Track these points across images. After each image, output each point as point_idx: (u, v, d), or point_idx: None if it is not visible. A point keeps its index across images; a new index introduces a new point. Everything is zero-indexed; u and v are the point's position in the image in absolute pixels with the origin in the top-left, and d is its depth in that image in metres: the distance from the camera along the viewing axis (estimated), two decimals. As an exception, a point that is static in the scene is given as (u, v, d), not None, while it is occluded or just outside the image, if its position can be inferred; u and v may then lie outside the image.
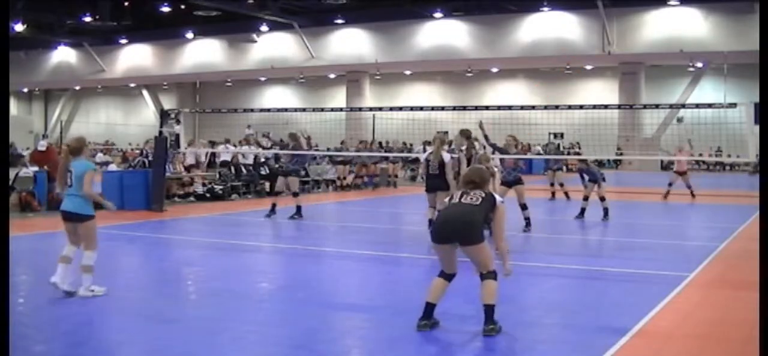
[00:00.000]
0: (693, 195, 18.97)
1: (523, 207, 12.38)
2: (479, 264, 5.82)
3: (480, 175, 6.15)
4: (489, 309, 5.75)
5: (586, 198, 14.51)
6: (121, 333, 5.99)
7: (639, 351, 5.58)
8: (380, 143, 31.52)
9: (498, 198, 6.02)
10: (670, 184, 19.31)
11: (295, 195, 14.41)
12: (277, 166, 17.03)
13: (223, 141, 22.73)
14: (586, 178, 14.64)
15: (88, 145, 7.56)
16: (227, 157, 20.41)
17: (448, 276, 5.93)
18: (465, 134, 11.67)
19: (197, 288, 8.12)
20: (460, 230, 5.79)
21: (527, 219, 12.32)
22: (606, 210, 14.18)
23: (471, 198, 5.90)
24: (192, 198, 17.77)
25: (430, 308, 5.88)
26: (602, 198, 14.29)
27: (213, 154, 20.83)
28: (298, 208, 14.16)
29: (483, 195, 5.93)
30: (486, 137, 12.50)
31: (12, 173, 14.81)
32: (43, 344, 5.59)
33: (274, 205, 14.30)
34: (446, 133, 26.43)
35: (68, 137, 40.05)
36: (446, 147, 11.47)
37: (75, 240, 7.13)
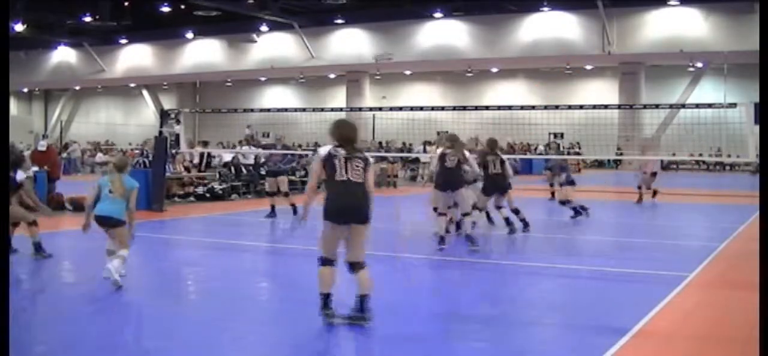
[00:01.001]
0: (638, 199, 18.16)
1: (516, 211, 12.21)
2: (358, 247, 5.98)
3: (355, 131, 6.20)
4: (366, 299, 5.91)
5: (555, 196, 14.32)
6: (122, 333, 5.99)
7: (639, 351, 5.58)
8: (380, 143, 31.51)
9: (370, 158, 6.19)
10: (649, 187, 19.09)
11: (270, 195, 14.42)
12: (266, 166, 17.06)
13: (219, 144, 22.67)
14: (563, 175, 14.49)
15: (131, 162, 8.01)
16: (228, 157, 20.39)
17: (333, 263, 6.09)
18: (490, 144, 11.80)
19: (197, 288, 8.13)
20: (357, 212, 5.96)
21: (523, 221, 12.16)
22: (575, 210, 14.02)
23: (357, 175, 5.98)
24: (192, 198, 17.76)
25: (329, 298, 6.05)
26: (567, 201, 14.18)
27: (209, 155, 20.79)
28: (273, 208, 14.13)
29: (363, 163, 6.02)
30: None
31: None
32: (43, 344, 5.59)
33: (273, 207, 14.30)
34: (446, 133, 26.33)
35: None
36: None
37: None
